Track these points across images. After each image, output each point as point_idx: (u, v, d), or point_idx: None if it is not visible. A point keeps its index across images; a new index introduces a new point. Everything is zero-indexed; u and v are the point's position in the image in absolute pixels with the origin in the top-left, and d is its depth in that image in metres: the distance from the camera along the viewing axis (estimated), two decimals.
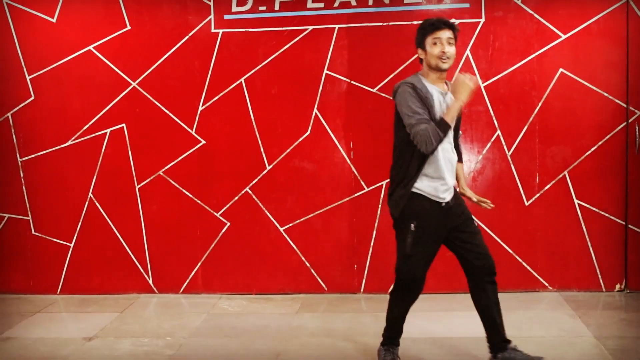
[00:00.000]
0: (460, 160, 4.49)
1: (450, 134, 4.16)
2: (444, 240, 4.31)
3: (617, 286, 6.06)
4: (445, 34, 4.10)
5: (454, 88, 4.08)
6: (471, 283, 4.35)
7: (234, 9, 6.09)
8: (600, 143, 5.95)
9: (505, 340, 4.36)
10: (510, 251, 6.06)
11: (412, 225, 4.17)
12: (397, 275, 4.32)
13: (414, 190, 4.16)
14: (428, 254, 4.27)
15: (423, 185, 4.16)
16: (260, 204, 6.23)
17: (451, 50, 4.11)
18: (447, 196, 4.19)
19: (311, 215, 6.21)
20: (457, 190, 4.44)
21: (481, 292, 4.32)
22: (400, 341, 4.59)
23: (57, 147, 6.32)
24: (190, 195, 6.27)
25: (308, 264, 6.26)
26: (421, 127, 3.98)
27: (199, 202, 6.27)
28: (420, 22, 5.75)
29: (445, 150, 4.17)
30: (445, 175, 4.17)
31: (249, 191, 6.22)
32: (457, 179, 4.48)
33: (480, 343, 4.63)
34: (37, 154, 6.35)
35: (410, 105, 4.04)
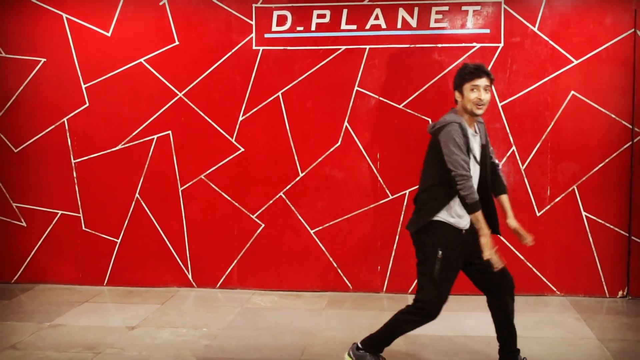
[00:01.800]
0: (505, 191, 4.50)
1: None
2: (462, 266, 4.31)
3: (620, 292, 6.18)
4: (483, 82, 4.13)
5: (486, 248, 4.10)
6: (491, 297, 4.36)
7: (274, 28, 6.23)
8: (607, 160, 6.07)
9: (514, 351, 4.40)
10: (522, 257, 6.18)
11: (440, 252, 4.13)
12: (423, 304, 4.22)
13: (437, 218, 4.17)
14: (453, 280, 4.23)
15: (447, 216, 4.17)
16: (292, 208, 6.36)
17: (487, 97, 4.14)
18: (467, 224, 4.22)
19: (339, 219, 6.34)
20: (507, 221, 4.43)
21: (502, 305, 4.34)
22: (449, 339, 4.76)
23: (108, 151, 6.48)
24: (229, 198, 6.40)
25: (335, 264, 6.38)
26: (469, 184, 4.05)
27: (236, 204, 6.41)
28: (444, 45, 5.89)
29: None
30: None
31: (283, 196, 6.36)
32: (504, 210, 4.45)
33: (488, 342, 4.76)
34: (89, 156, 6.51)
35: (460, 145, 4.06)
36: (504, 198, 4.51)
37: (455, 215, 4.20)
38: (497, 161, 4.49)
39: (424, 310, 4.25)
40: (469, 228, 4.23)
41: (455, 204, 4.18)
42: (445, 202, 4.18)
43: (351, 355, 4.47)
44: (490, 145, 4.41)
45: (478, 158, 4.24)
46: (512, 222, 4.44)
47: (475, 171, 4.23)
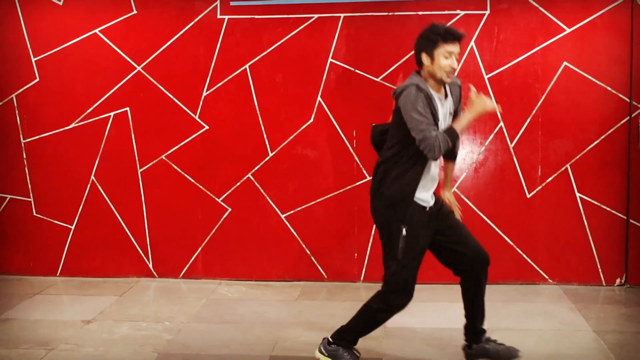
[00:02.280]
0: (453, 159, 4.45)
1: None
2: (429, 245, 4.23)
3: (618, 280, 6.07)
4: (457, 48, 3.98)
5: (473, 102, 4.00)
6: (463, 275, 4.28)
7: None
8: (602, 137, 5.95)
9: (482, 331, 4.35)
10: (511, 243, 6.07)
11: (404, 229, 4.04)
12: (389, 287, 4.15)
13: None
14: (419, 261, 4.16)
15: (418, 193, 4.09)
16: (261, 191, 6.25)
17: (456, 65, 4.03)
18: (431, 202, 4.15)
19: (312, 202, 6.22)
20: (441, 191, 4.44)
21: (474, 282, 4.26)
22: (400, 332, 4.67)
23: (61, 130, 6.36)
24: (192, 180, 6.29)
25: (308, 252, 6.27)
26: (431, 134, 3.87)
27: (200, 187, 6.29)
28: (425, 12, 5.79)
29: (436, 162, 4.15)
30: (434, 185, 4.17)
31: (251, 177, 6.24)
32: (445, 177, 4.47)
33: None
34: (40, 136, 6.38)
35: (419, 109, 3.90)
36: (451, 166, 4.49)
37: (424, 189, 4.12)
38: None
39: (390, 295, 4.17)
40: (432, 205, 4.16)
41: (426, 178, 4.12)
42: (420, 174, 4.09)
43: (322, 351, 4.34)
44: (461, 109, 4.20)
45: (443, 124, 4.09)
46: (447, 194, 4.47)
47: None
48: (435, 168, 4.12)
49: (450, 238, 4.19)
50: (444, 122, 4.08)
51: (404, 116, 3.96)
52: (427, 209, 4.11)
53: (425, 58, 4.00)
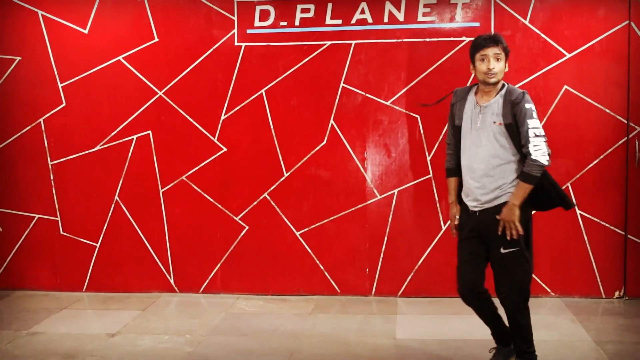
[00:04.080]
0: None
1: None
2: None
3: (617, 293, 6.10)
4: (492, 50, 4.11)
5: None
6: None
7: (257, 23, 6.16)
8: (601, 157, 6.00)
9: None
10: None
11: (454, 230, 4.43)
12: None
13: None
14: (465, 261, 4.36)
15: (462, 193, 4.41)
16: (277, 209, 6.28)
17: (498, 65, 4.12)
18: (473, 205, 4.25)
19: (326, 220, 6.25)
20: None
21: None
22: (440, 343, 4.80)
23: (86, 152, 6.38)
24: (211, 200, 6.32)
25: (322, 267, 6.29)
26: (447, 151, 4.45)
27: (219, 206, 6.32)
28: (432, 39, 5.84)
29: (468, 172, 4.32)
30: (471, 193, 4.28)
31: (267, 197, 6.27)
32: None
33: (481, 346, 4.74)
34: (66, 158, 6.40)
35: (449, 118, 4.41)
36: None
37: (464, 193, 4.36)
38: (530, 150, 4.07)
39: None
40: (480, 209, 4.23)
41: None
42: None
43: None
44: (524, 129, 4.09)
45: (468, 125, 4.25)
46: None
47: (466, 139, 4.29)
48: (466, 176, 4.28)
49: (493, 252, 4.28)
50: (470, 123, 4.22)
51: None
52: (470, 211, 4.26)
53: (472, 68, 4.25)
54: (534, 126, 4.05)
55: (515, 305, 4.26)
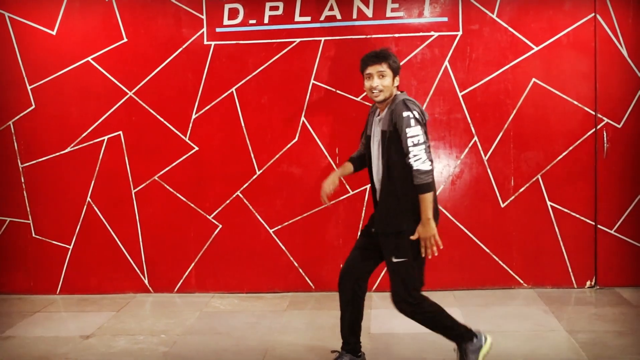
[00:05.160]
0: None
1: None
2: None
3: (588, 283, 6.15)
4: (375, 68, 4.14)
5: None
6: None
7: (226, 22, 6.14)
8: (570, 148, 6.05)
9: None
10: (487, 250, 6.15)
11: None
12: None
13: None
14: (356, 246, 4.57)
15: None
16: (250, 207, 6.27)
17: (383, 82, 4.12)
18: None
19: (299, 217, 6.25)
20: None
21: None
22: (414, 336, 4.83)
23: (57, 154, 6.34)
24: (184, 199, 6.30)
25: (296, 264, 6.30)
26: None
27: (192, 205, 6.30)
28: (401, 34, 5.86)
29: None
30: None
31: (240, 195, 6.27)
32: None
33: None
34: (37, 160, 6.36)
35: None
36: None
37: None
38: (410, 160, 4.05)
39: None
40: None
41: None
42: None
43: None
44: (405, 143, 4.05)
45: (373, 138, 4.30)
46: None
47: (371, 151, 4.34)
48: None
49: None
50: (373, 137, 4.27)
51: None
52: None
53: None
54: (412, 134, 4.01)
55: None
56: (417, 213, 4.07)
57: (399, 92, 4.24)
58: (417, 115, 4.05)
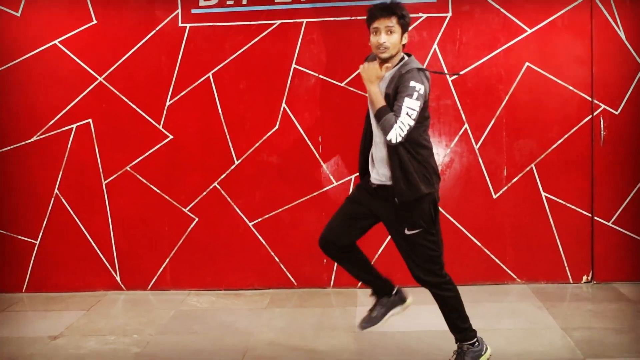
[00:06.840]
0: None
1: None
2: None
3: (584, 278, 6.10)
4: (383, 22, 3.95)
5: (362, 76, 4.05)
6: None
7: (201, 3, 6.05)
8: (566, 136, 5.98)
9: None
10: (479, 244, 6.08)
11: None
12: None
13: None
14: (340, 211, 4.55)
15: None
16: (228, 199, 6.19)
17: (391, 39, 3.95)
18: (373, 178, 4.23)
19: (280, 210, 6.18)
20: None
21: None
22: (401, 335, 4.80)
23: (22, 143, 6.24)
24: (158, 191, 6.22)
25: (277, 259, 6.22)
26: None
27: (166, 197, 6.22)
28: None
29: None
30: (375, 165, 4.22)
31: (217, 186, 6.18)
32: None
33: (443, 337, 4.63)
34: (1, 150, 6.26)
35: None
36: None
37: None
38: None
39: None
40: (375, 185, 4.22)
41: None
42: None
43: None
44: (398, 110, 3.91)
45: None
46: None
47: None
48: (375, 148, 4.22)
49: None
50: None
51: None
52: (369, 183, 4.28)
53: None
54: (409, 106, 3.84)
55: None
56: (430, 174, 4.06)
57: (406, 55, 4.07)
58: (423, 92, 3.88)
